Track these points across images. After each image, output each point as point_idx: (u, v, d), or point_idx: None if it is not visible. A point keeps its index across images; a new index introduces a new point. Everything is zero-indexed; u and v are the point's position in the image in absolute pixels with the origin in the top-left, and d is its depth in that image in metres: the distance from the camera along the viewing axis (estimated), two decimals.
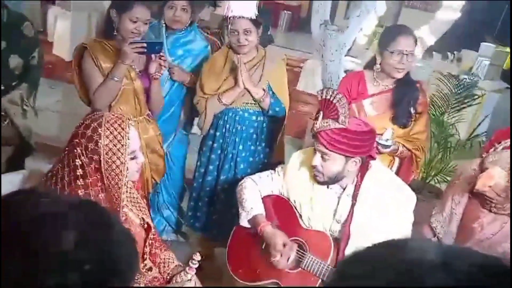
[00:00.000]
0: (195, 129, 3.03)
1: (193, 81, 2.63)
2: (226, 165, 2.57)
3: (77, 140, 1.50)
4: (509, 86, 6.50)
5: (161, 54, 2.31)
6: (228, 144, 2.55)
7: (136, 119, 2.35)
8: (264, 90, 2.46)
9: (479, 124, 4.31)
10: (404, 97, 2.34)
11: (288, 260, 1.92)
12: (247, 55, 2.47)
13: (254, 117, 2.53)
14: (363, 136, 1.84)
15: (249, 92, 2.43)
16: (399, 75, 2.30)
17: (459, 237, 2.18)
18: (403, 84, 2.36)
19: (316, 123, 1.86)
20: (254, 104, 2.50)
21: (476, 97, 3.99)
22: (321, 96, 1.85)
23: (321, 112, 1.85)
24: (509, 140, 2.10)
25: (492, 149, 2.12)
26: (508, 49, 8.63)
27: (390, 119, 2.35)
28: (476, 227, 2.11)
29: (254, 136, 2.56)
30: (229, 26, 2.40)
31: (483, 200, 2.05)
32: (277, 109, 2.49)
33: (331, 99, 1.82)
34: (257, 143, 2.58)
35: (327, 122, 1.83)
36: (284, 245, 1.90)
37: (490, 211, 2.05)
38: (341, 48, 4.13)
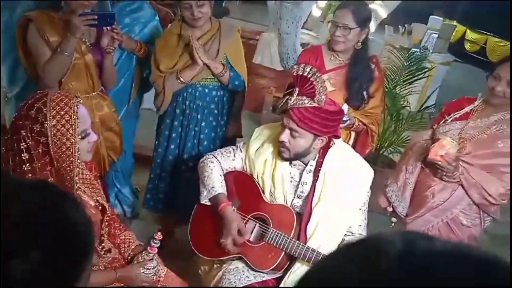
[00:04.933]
0: (147, 104, 2.94)
1: (142, 49, 2.54)
2: (189, 143, 2.51)
3: (20, 122, 1.39)
4: (456, 59, 6.76)
5: (114, 26, 2.21)
6: (190, 121, 2.48)
7: (89, 95, 2.25)
8: (223, 64, 2.40)
9: (429, 96, 4.48)
10: (358, 77, 2.36)
11: (235, 245, 1.90)
12: (201, 28, 2.39)
13: (214, 92, 2.47)
14: (334, 116, 1.82)
15: (208, 67, 2.37)
16: (338, 47, 2.33)
17: (412, 205, 2.29)
18: (357, 61, 2.37)
19: (290, 99, 1.76)
20: (213, 78, 2.44)
21: (426, 70, 4.11)
22: (297, 72, 1.75)
23: (296, 89, 1.76)
24: (457, 111, 2.20)
25: (443, 121, 2.22)
26: (455, 22, 8.93)
27: (344, 99, 2.36)
28: (428, 194, 2.22)
29: (216, 111, 2.51)
30: None
31: (434, 169, 2.15)
32: (236, 82, 2.45)
33: (308, 76, 1.73)
34: (219, 118, 2.53)
35: (302, 100, 1.75)
36: (239, 232, 1.89)
37: (441, 179, 2.16)
38: (297, 21, 4.12)
